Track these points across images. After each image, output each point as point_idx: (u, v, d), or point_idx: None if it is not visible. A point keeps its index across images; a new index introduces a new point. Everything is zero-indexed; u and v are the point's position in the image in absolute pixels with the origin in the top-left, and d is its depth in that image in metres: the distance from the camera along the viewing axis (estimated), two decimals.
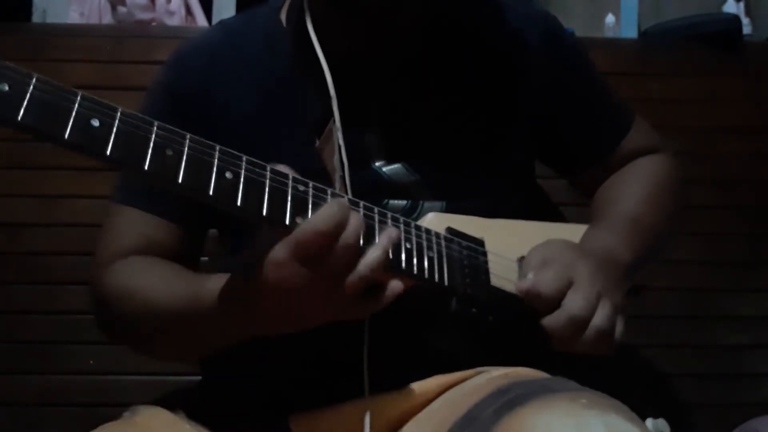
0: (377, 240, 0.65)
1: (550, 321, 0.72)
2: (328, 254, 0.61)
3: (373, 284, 0.65)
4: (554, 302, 0.72)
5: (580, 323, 0.72)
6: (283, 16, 0.88)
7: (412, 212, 0.81)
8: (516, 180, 0.89)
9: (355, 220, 0.63)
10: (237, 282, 0.68)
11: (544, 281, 0.73)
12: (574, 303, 0.72)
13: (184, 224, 0.85)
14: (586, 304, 0.72)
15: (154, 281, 0.78)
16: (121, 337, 0.86)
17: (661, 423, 0.83)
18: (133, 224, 0.84)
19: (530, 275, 0.74)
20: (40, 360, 1.43)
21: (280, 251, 0.62)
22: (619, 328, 0.75)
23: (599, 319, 0.72)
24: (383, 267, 0.64)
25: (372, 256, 0.63)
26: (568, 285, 0.73)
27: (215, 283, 0.70)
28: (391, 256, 0.67)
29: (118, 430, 0.75)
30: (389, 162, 0.82)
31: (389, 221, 0.70)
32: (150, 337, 0.79)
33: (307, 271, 0.62)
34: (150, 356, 0.88)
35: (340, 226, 0.62)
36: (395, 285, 0.65)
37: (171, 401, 0.82)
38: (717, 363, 1.53)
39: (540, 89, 0.89)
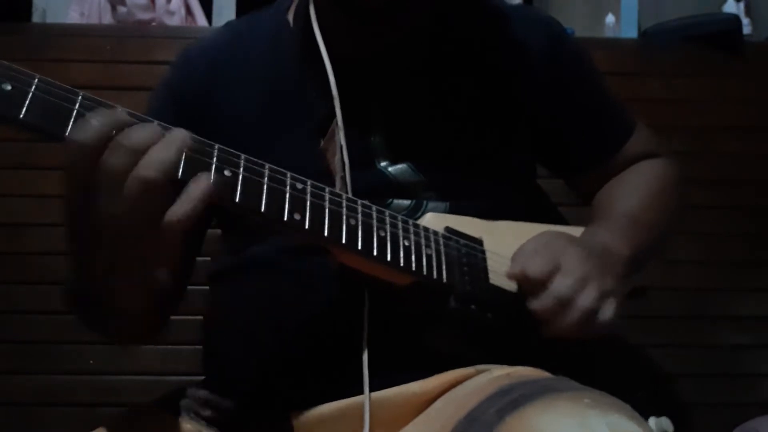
0: None
1: (537, 303, 0.72)
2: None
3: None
4: (542, 285, 0.73)
5: (565, 303, 0.72)
6: (290, 17, 0.88)
7: (416, 212, 0.81)
8: (518, 182, 0.89)
9: (144, 128, 0.58)
10: None
11: (532, 266, 0.73)
12: (559, 284, 0.72)
13: None
14: (571, 284, 0.72)
15: None
16: (89, 323, 0.81)
17: (665, 421, 0.83)
18: None
19: (520, 261, 0.75)
20: (40, 360, 1.43)
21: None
22: (607, 311, 0.74)
23: (584, 299, 0.72)
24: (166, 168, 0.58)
25: (154, 155, 0.58)
26: (557, 269, 0.73)
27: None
28: (374, 252, 0.66)
29: (118, 430, 0.75)
30: (394, 162, 0.82)
31: (387, 219, 0.71)
32: (88, 308, 0.76)
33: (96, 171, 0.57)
34: (108, 333, 0.83)
35: (119, 125, 0.58)
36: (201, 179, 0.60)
37: (171, 401, 0.82)
38: (717, 363, 1.53)
39: (543, 93, 0.89)
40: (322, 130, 0.81)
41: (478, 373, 0.76)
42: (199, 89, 0.85)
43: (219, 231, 0.92)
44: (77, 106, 0.58)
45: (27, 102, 0.56)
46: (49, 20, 1.78)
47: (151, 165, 0.57)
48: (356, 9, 0.79)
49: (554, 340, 0.73)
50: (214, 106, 0.84)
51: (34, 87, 0.56)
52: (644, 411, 0.71)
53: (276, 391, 0.80)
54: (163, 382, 1.39)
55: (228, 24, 0.95)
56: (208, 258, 0.93)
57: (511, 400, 0.64)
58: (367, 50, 0.84)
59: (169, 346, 1.44)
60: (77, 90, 0.58)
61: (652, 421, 0.82)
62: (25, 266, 1.45)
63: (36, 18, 1.77)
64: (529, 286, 0.73)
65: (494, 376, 0.74)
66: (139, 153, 0.58)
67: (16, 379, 1.43)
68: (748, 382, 1.53)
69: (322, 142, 0.81)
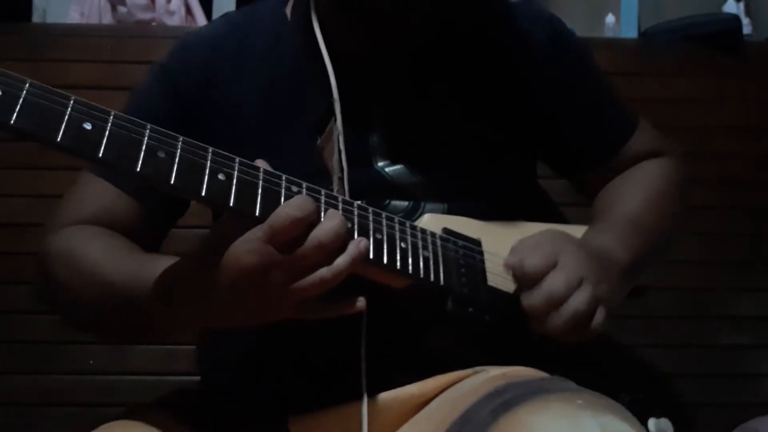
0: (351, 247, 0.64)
1: (528, 299, 0.72)
2: (300, 245, 0.61)
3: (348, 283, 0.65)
4: (536, 281, 0.72)
5: (556, 300, 0.71)
6: (288, 11, 0.88)
7: (414, 213, 0.81)
8: (518, 182, 0.89)
9: (333, 220, 0.62)
10: (189, 265, 0.67)
11: (530, 260, 0.73)
12: (553, 281, 0.72)
13: (150, 206, 0.83)
14: (565, 282, 0.71)
15: (102, 250, 0.76)
16: (58, 305, 0.81)
17: (664, 423, 0.83)
18: (98, 195, 0.82)
19: (519, 253, 0.74)
20: (40, 360, 1.43)
21: (254, 235, 0.61)
22: (599, 318, 0.73)
23: (576, 300, 0.71)
24: (344, 275, 0.63)
25: (339, 262, 0.62)
26: (553, 266, 0.73)
27: (163, 263, 0.68)
28: (371, 255, 0.67)
29: (118, 430, 0.75)
30: (392, 162, 0.82)
31: (384, 221, 0.70)
32: (87, 308, 0.76)
33: (278, 258, 0.61)
34: (85, 329, 0.85)
35: (313, 215, 0.61)
36: (358, 303, 0.65)
37: (171, 401, 0.82)
38: (717, 363, 1.53)
39: (545, 91, 0.89)
40: (320, 127, 0.81)
41: (476, 374, 0.76)
42: (198, 79, 0.84)
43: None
44: (69, 110, 0.57)
45: (18, 107, 0.55)
46: (49, 20, 1.78)
47: (336, 271, 0.62)
48: (359, 8, 0.79)
49: (551, 341, 0.73)
50: (212, 98, 0.83)
51: (25, 91, 0.56)
52: (644, 412, 0.72)
53: (273, 393, 0.80)
54: (163, 382, 1.39)
55: (226, 15, 0.94)
56: None
57: (504, 400, 0.64)
58: (368, 49, 0.83)
59: (169, 346, 1.44)
60: (69, 94, 0.58)
61: (652, 422, 0.82)
62: (25, 266, 1.45)
63: (36, 18, 1.77)
64: (525, 280, 0.73)
65: (490, 376, 0.74)
66: (329, 254, 0.62)
67: (16, 379, 1.43)
68: (748, 382, 1.53)
69: (320, 140, 0.81)
